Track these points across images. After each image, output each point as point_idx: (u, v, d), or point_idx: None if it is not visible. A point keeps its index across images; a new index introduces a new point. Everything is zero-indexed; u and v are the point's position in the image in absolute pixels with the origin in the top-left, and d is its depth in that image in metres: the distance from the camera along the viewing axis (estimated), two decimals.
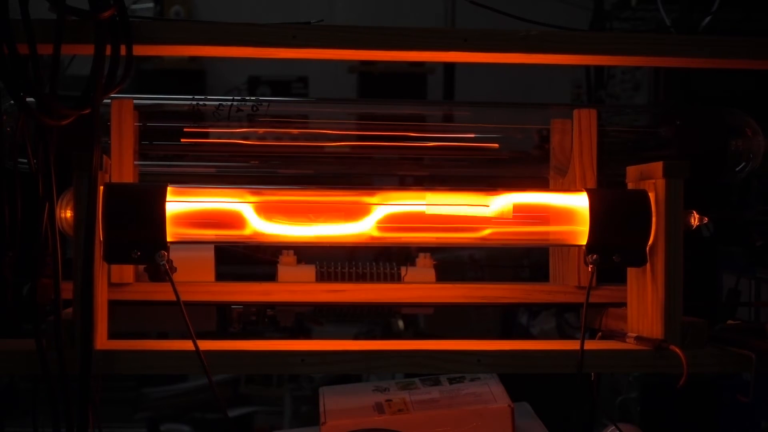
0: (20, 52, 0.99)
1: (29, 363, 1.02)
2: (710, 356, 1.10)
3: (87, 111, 1.03)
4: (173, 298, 1.04)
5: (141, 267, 1.18)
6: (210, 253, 1.28)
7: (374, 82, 3.73)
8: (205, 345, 1.04)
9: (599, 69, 2.86)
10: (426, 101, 2.96)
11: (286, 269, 1.31)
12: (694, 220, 1.12)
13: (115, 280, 1.17)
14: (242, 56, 1.15)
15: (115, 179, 1.15)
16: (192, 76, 3.84)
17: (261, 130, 1.28)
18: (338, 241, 1.11)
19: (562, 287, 1.26)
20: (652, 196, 1.11)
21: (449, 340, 1.13)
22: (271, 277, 1.31)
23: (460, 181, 1.41)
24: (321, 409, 1.25)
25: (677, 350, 1.06)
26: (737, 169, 1.29)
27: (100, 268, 1.05)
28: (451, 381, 1.30)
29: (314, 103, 1.59)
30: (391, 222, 1.11)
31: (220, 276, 1.29)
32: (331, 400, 1.27)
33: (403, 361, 1.10)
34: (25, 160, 1.09)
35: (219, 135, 1.27)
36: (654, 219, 1.10)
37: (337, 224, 1.11)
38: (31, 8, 1.00)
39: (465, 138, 1.32)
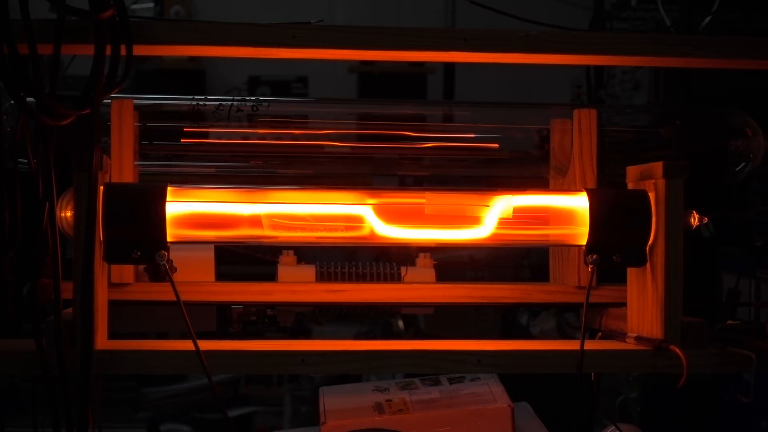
0: (20, 52, 0.99)
1: (29, 363, 1.02)
2: (710, 356, 1.10)
3: (87, 111, 1.03)
4: (173, 298, 1.04)
5: (141, 267, 1.18)
6: (210, 253, 1.28)
7: (374, 82, 3.73)
8: (205, 345, 1.04)
9: (599, 69, 2.86)
10: (426, 101, 2.96)
11: (286, 269, 1.31)
12: (694, 220, 1.12)
13: (115, 280, 1.17)
14: (242, 56, 1.15)
15: (115, 179, 1.15)
16: (192, 76, 3.84)
17: (261, 130, 1.28)
18: (338, 241, 1.11)
19: (562, 287, 1.26)
20: (652, 196, 1.11)
21: (449, 340, 1.13)
22: (271, 277, 1.31)
23: (460, 181, 1.41)
24: (321, 409, 1.25)
25: (677, 350, 1.06)
26: (737, 169, 1.29)
27: (100, 268, 1.05)
28: (451, 381, 1.30)
29: (314, 103, 1.59)
30: (391, 222, 1.11)
31: (220, 276, 1.29)
32: (331, 400, 1.27)
33: (403, 361, 1.10)
34: (25, 160, 1.08)
35: (219, 135, 1.27)
36: (654, 219, 1.10)
37: (336, 224, 1.11)
38: (31, 8, 1.00)
39: (465, 138, 1.32)
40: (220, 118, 1.26)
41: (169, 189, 1.07)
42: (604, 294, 1.22)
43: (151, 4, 3.71)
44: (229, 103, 1.27)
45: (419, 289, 1.26)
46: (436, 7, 4.03)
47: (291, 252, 1.32)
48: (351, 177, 1.33)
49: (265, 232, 1.10)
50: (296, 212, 1.10)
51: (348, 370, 1.11)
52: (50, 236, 1.03)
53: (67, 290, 1.03)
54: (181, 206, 1.08)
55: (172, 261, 1.07)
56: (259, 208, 1.09)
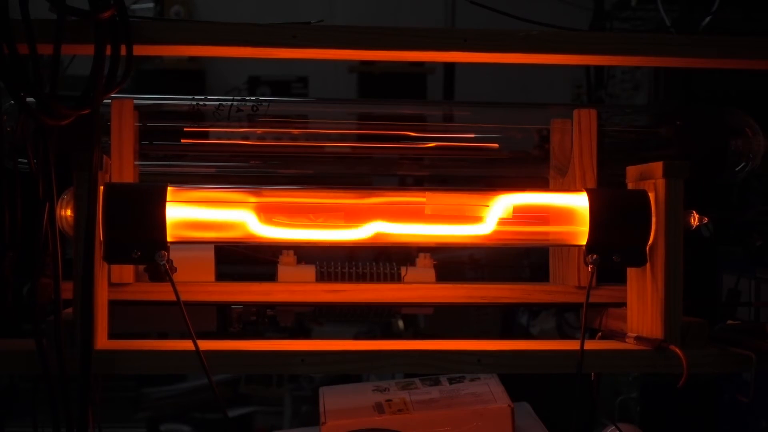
0: (20, 52, 0.99)
1: (29, 363, 1.02)
2: (710, 356, 1.10)
3: (87, 111, 1.03)
4: (173, 298, 1.04)
5: (141, 267, 1.18)
6: (210, 253, 1.28)
7: (374, 82, 3.73)
8: (205, 345, 1.04)
9: (599, 69, 2.86)
10: (426, 101, 2.95)
11: (286, 269, 1.31)
12: (694, 220, 1.12)
13: (115, 280, 1.17)
14: (242, 56, 1.15)
15: (115, 179, 1.15)
16: (192, 76, 3.84)
17: (261, 130, 1.28)
18: (338, 241, 1.11)
19: (562, 287, 1.26)
20: (652, 196, 1.11)
21: (449, 340, 1.13)
22: (271, 277, 1.31)
23: (460, 181, 1.41)
24: (321, 409, 1.25)
25: (677, 350, 1.06)
26: (737, 169, 1.29)
27: (100, 268, 1.05)
28: (451, 381, 1.30)
29: (314, 103, 1.59)
30: (390, 222, 1.11)
31: (220, 276, 1.29)
32: (331, 400, 1.27)
33: (403, 361, 1.10)
34: (25, 160, 1.08)
35: (219, 135, 1.27)
36: (654, 219, 1.10)
37: (336, 224, 1.11)
38: (31, 8, 1.00)
39: (465, 138, 1.32)
40: (220, 118, 1.26)
41: (169, 189, 1.07)
42: (604, 294, 1.22)
43: (151, 4, 3.71)
44: (229, 103, 1.27)
45: (419, 289, 1.26)
46: (436, 7, 4.03)
47: (291, 252, 1.32)
48: (351, 177, 1.33)
49: (265, 232, 1.10)
50: (296, 212, 1.10)
51: (348, 370, 1.11)
52: (50, 236, 1.03)
53: (67, 290, 1.03)
54: (181, 206, 1.08)
55: (172, 261, 1.07)
56: (259, 208, 1.09)
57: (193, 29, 1.11)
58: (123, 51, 1.05)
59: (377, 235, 1.11)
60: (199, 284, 1.22)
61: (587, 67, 2.86)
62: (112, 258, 1.07)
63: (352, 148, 1.31)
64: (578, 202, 1.12)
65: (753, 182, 2.23)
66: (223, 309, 1.25)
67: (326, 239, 1.11)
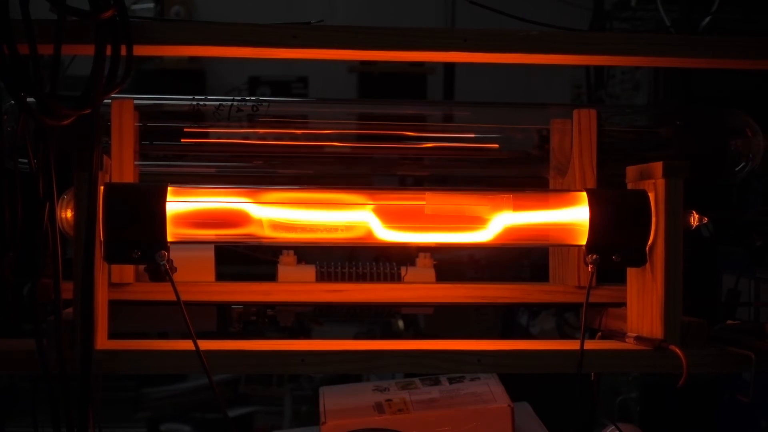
0: (21, 52, 0.99)
1: (29, 363, 1.02)
2: (710, 356, 1.10)
3: (87, 111, 1.03)
4: (173, 298, 1.04)
5: (141, 267, 1.18)
6: (210, 253, 1.28)
7: (374, 82, 3.73)
8: (205, 345, 1.04)
9: (599, 69, 2.86)
10: (426, 101, 2.96)
11: (286, 269, 1.31)
12: (694, 220, 1.12)
13: (115, 280, 1.17)
14: (242, 56, 1.15)
15: (115, 179, 1.15)
16: (192, 76, 3.84)
17: (261, 131, 1.28)
18: (338, 241, 1.11)
19: (562, 287, 1.26)
20: (651, 196, 1.11)
21: (449, 340, 1.13)
22: (271, 277, 1.31)
23: (460, 181, 1.41)
24: (321, 409, 1.25)
25: (677, 350, 1.06)
26: (737, 169, 1.29)
27: (101, 268, 1.05)
28: (451, 381, 1.30)
29: (314, 103, 1.59)
30: (391, 222, 1.11)
31: (220, 276, 1.29)
32: (331, 400, 1.27)
33: (403, 361, 1.10)
34: (26, 160, 1.09)
35: (219, 135, 1.27)
36: (654, 219, 1.10)
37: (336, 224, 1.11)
38: (32, 8, 1.00)
39: (465, 138, 1.32)
40: (221, 118, 1.26)
41: (170, 189, 1.07)
42: (604, 294, 1.22)
43: (151, 4, 3.71)
44: (230, 103, 1.27)
45: (419, 289, 1.26)
46: (436, 7, 4.03)
47: (291, 252, 1.32)
48: (351, 177, 1.33)
49: (265, 232, 1.10)
50: (296, 212, 1.10)
51: (348, 370, 1.11)
52: (50, 236, 1.03)
53: (67, 290, 1.03)
54: (181, 206, 1.08)
55: (172, 261, 1.07)
56: (259, 208, 1.09)
57: (193, 29, 1.11)
58: (123, 51, 1.06)
59: (377, 236, 1.11)
60: (199, 284, 1.22)
61: (587, 67, 2.86)
62: (112, 258, 1.07)
63: (352, 148, 1.31)
64: (578, 202, 1.12)
65: (753, 182, 2.23)
66: (223, 309, 1.25)
67: (326, 239, 1.11)
